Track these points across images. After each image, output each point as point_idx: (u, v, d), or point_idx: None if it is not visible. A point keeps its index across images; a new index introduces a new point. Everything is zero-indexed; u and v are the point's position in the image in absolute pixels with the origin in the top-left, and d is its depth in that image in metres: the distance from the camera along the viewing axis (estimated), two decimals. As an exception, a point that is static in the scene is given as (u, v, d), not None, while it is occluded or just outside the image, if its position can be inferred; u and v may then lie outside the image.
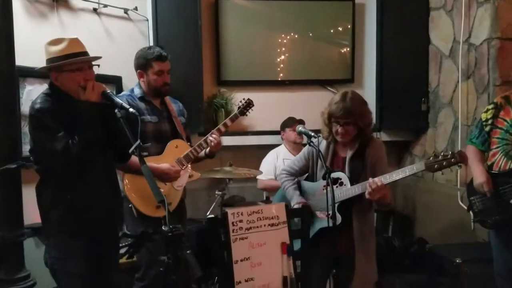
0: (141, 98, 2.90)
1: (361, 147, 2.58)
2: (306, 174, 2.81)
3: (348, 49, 4.83)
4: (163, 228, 1.92)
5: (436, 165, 2.33)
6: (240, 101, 3.15)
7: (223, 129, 3.01)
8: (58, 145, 2.08)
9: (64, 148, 2.08)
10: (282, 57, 4.75)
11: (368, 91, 4.86)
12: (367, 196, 2.37)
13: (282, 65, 4.76)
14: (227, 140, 4.41)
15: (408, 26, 4.53)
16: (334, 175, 2.55)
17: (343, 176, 2.55)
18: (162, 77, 2.88)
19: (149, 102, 2.92)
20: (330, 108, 2.55)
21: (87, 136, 2.12)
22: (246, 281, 2.04)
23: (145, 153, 2.73)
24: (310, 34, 4.78)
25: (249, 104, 3.13)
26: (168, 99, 3.05)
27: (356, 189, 2.46)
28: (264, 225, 2.12)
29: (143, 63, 2.89)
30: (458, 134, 3.99)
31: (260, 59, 4.72)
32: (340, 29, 4.82)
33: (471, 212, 3.00)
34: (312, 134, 2.52)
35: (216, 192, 3.82)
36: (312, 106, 4.65)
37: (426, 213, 4.47)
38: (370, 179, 2.38)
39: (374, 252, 2.63)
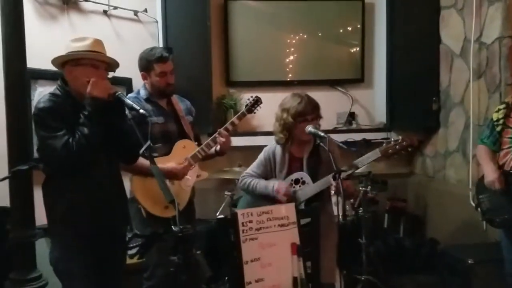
0: (147, 100, 2.91)
1: (315, 146, 2.71)
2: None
3: (357, 48, 4.81)
4: (173, 228, 1.93)
5: (390, 150, 2.44)
6: (248, 99, 3.13)
7: (230, 128, 2.98)
8: (58, 143, 2.10)
9: (64, 146, 2.09)
10: (291, 57, 4.74)
11: (378, 91, 4.84)
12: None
13: (291, 66, 4.76)
14: (236, 141, 4.38)
15: (418, 25, 4.50)
16: (295, 175, 2.70)
17: (304, 175, 2.68)
18: (164, 78, 2.87)
19: (155, 103, 2.92)
20: (297, 108, 2.68)
21: (87, 132, 2.12)
22: (256, 281, 2.03)
23: (155, 154, 2.75)
24: (319, 34, 4.77)
25: (256, 102, 3.09)
26: (175, 98, 3.05)
27: (319, 185, 2.57)
28: (274, 226, 2.11)
29: (145, 65, 2.89)
30: (470, 133, 3.95)
31: (269, 59, 4.72)
32: (350, 28, 4.80)
33: (479, 210, 2.98)
34: (322, 134, 2.53)
35: (226, 193, 3.83)
36: (322, 106, 4.61)
37: (438, 213, 4.44)
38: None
39: (335, 244, 2.70)
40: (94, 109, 2.16)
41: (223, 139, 2.92)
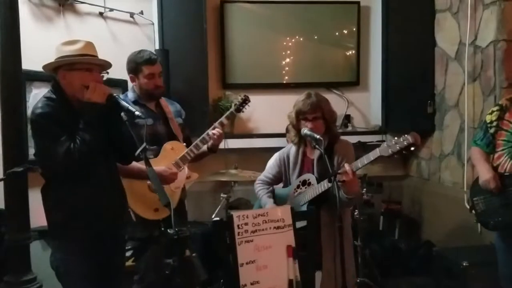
0: (135, 102, 2.90)
1: (329, 146, 2.62)
2: (281, 183, 2.87)
3: (353, 51, 4.83)
4: (168, 231, 1.93)
5: (390, 150, 2.32)
6: (236, 98, 3.12)
7: (219, 127, 2.96)
8: (60, 149, 2.08)
9: (66, 152, 2.08)
10: (287, 60, 4.76)
11: (374, 94, 4.86)
12: (340, 178, 2.36)
13: (287, 68, 4.77)
14: (232, 143, 4.41)
15: (413, 28, 4.52)
16: (303, 177, 2.66)
17: (310, 176, 2.62)
18: (153, 80, 2.87)
19: (143, 105, 2.91)
20: (297, 106, 2.65)
21: (88, 138, 2.11)
22: (252, 284, 2.03)
23: (151, 156, 2.74)
24: (315, 37, 4.78)
25: (245, 101, 3.08)
26: (164, 100, 3.04)
27: (322, 186, 2.50)
28: (270, 228, 2.11)
29: (133, 68, 2.89)
30: (465, 136, 3.97)
31: (265, 62, 4.72)
32: (346, 32, 4.82)
33: (474, 212, 2.97)
34: (318, 137, 2.52)
35: (222, 195, 3.83)
36: (318, 108, 4.65)
37: (433, 216, 4.45)
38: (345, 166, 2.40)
39: (346, 253, 2.47)
40: (94, 115, 2.15)
41: (217, 133, 2.91)
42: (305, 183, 2.64)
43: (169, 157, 2.88)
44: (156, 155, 2.85)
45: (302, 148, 2.76)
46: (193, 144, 2.93)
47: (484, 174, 2.81)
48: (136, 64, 2.87)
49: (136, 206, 2.74)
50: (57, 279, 2.30)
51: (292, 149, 2.80)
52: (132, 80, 2.94)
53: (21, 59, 2.93)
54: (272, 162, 2.91)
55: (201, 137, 2.94)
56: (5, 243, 2.93)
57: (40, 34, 3.55)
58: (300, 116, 2.64)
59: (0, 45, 2.86)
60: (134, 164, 2.56)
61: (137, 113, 2.24)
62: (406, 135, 2.28)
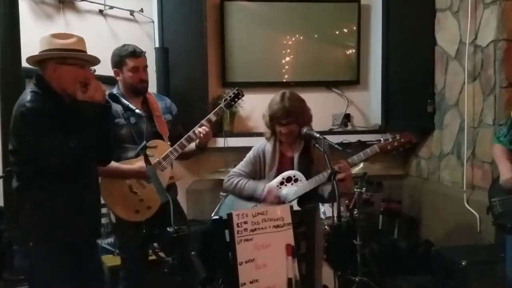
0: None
1: (306, 145, 2.66)
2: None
3: (353, 50, 4.83)
4: (168, 229, 1.93)
5: (388, 146, 2.50)
6: (228, 92, 2.96)
7: (207, 125, 2.83)
8: (56, 146, 2.01)
9: (63, 148, 2.01)
10: (287, 58, 4.75)
11: (374, 93, 4.86)
12: (338, 177, 2.39)
13: (287, 67, 4.77)
14: (232, 141, 4.41)
15: (414, 27, 4.52)
16: (287, 173, 2.65)
17: (297, 173, 2.63)
18: (137, 74, 2.76)
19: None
20: (271, 110, 2.64)
21: (87, 136, 2.06)
22: (251, 282, 2.03)
23: (131, 155, 2.68)
24: (316, 36, 4.78)
25: (237, 95, 2.92)
26: (153, 96, 2.94)
27: (313, 182, 2.54)
28: (269, 227, 2.11)
29: (117, 61, 2.77)
30: (464, 135, 3.97)
31: (265, 60, 4.72)
32: (346, 30, 4.81)
33: (490, 214, 2.89)
34: (317, 135, 2.52)
35: (221, 193, 3.83)
36: (318, 107, 4.61)
37: (432, 215, 4.45)
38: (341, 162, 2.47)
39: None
40: (95, 114, 2.10)
41: (203, 132, 2.77)
42: (290, 179, 2.63)
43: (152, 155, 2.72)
44: (138, 154, 2.69)
45: (278, 147, 2.73)
46: (178, 142, 2.80)
47: (504, 173, 2.72)
48: (120, 57, 2.76)
49: (116, 207, 2.65)
50: (29, 284, 2.22)
51: (267, 146, 2.76)
52: (116, 74, 2.81)
53: (21, 57, 2.93)
54: (246, 160, 2.83)
55: (186, 135, 2.81)
56: (4, 240, 2.93)
57: (40, 32, 3.50)
58: (274, 120, 2.63)
59: (0, 43, 2.86)
60: (112, 163, 2.51)
61: (137, 111, 2.24)
62: (401, 135, 2.51)
